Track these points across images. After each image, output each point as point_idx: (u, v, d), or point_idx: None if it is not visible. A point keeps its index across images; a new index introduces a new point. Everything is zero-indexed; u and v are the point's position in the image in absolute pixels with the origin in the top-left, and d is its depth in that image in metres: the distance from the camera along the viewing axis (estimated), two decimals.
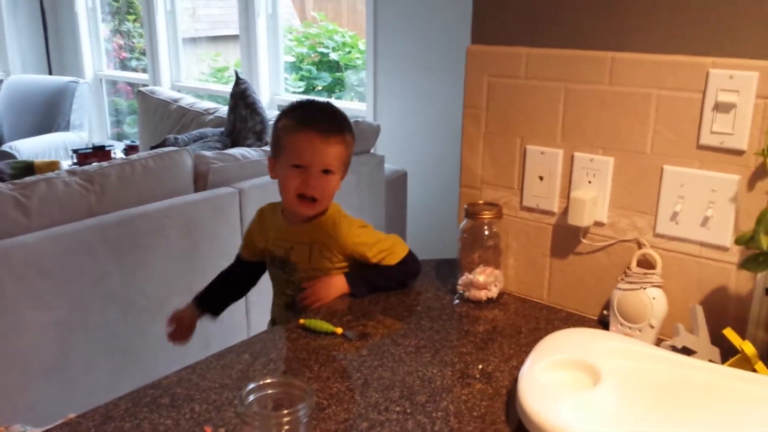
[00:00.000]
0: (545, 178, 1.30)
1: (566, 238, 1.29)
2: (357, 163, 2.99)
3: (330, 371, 1.07)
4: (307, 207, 1.38)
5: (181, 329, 1.58)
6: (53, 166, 3.75)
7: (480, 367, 1.09)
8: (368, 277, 1.38)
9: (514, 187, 1.35)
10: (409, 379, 1.04)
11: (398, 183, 3.19)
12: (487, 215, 1.32)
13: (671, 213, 1.16)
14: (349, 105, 4.18)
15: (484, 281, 1.32)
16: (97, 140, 5.30)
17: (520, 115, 1.31)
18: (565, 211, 1.27)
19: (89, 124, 5.21)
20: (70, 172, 2.25)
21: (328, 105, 1.44)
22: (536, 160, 1.30)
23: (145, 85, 4.85)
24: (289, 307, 1.44)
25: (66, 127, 4.76)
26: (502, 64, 1.31)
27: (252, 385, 0.84)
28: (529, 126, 1.30)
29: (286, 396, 0.87)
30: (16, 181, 2.14)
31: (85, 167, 2.31)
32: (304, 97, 4.35)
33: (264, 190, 2.52)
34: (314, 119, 1.38)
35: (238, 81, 3.23)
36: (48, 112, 4.74)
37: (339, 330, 1.19)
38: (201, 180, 2.50)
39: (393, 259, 1.40)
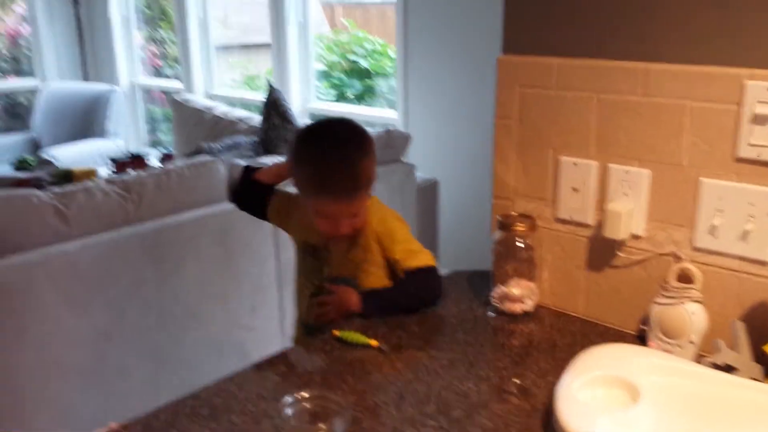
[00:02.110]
0: (579, 189, 1.29)
1: (602, 250, 1.28)
2: (387, 172, 3.01)
3: (365, 384, 1.08)
4: (345, 235, 1.40)
5: None
6: (91, 173, 3.83)
7: (516, 381, 1.08)
8: (383, 295, 1.38)
9: (548, 198, 1.34)
10: (444, 394, 1.04)
11: (429, 192, 3.19)
12: (520, 227, 1.32)
13: (709, 226, 1.14)
14: (379, 113, 4.20)
15: (519, 294, 1.32)
16: (133, 147, 5.39)
17: (553, 125, 1.30)
18: (600, 224, 1.26)
19: (125, 132, 5.31)
20: (109, 181, 2.29)
21: (344, 152, 1.36)
22: (570, 171, 1.30)
23: (178, 93, 4.93)
24: (315, 294, 1.45)
25: (102, 134, 4.86)
26: (534, 74, 1.31)
27: (289, 399, 0.86)
28: (561, 137, 1.30)
29: (322, 409, 0.89)
30: (56, 190, 2.18)
31: (123, 176, 2.36)
32: (333, 109, 4.35)
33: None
34: (332, 188, 1.34)
35: (271, 90, 3.26)
36: (85, 120, 4.84)
37: (374, 342, 1.19)
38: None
39: (416, 261, 1.39)
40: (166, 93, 5.43)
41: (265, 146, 3.17)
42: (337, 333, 1.22)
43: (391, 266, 1.43)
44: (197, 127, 3.91)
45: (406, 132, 3.07)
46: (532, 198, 1.36)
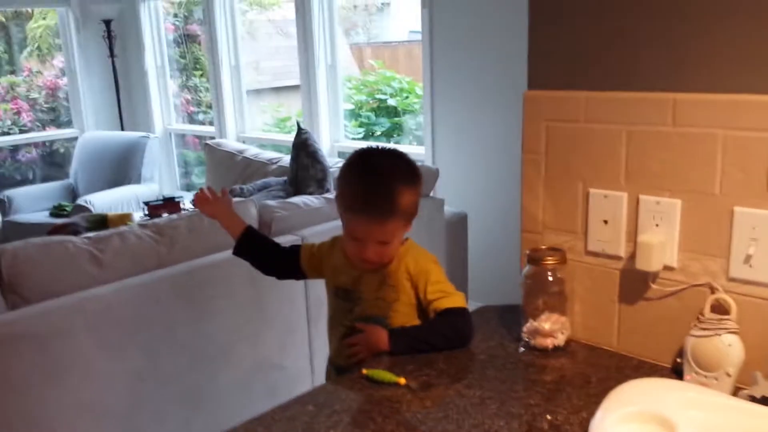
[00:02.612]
0: (610, 221, 1.27)
1: (634, 283, 1.25)
2: None
3: (394, 424, 1.06)
4: (373, 265, 1.40)
5: (207, 203, 1.62)
6: (125, 218, 3.91)
7: (548, 418, 1.06)
8: (412, 333, 1.36)
9: (578, 231, 1.32)
10: None
11: (458, 226, 3.18)
12: (550, 261, 1.30)
13: (744, 256, 1.11)
14: (407, 149, 4.22)
15: (550, 329, 1.29)
16: (167, 191, 5.50)
17: (581, 158, 1.29)
18: (632, 256, 1.24)
19: (159, 176, 5.43)
20: (142, 225, 2.34)
21: (383, 179, 1.37)
22: (600, 203, 1.28)
23: (212, 137, 5.03)
24: (345, 335, 1.44)
25: (138, 180, 4.97)
26: (560, 108, 1.31)
27: None
28: (590, 169, 1.29)
29: None
30: (91, 235, 2.23)
31: (156, 220, 2.40)
32: (368, 144, 4.42)
33: (326, 236, 2.53)
34: (367, 204, 1.35)
35: (300, 131, 3.31)
36: (120, 166, 4.96)
37: (402, 380, 1.18)
38: (266, 228, 2.55)
39: (448, 303, 1.37)
40: (200, 138, 5.55)
41: (295, 186, 3.20)
42: (365, 371, 1.21)
43: (423, 307, 1.42)
44: (229, 170, 3.98)
45: (435, 167, 3.08)
46: (562, 231, 1.35)
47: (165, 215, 2.46)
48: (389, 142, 4.68)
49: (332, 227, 2.60)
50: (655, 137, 1.19)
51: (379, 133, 4.83)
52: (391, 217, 1.36)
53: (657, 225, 1.21)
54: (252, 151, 4.08)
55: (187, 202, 4.32)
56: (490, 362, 1.26)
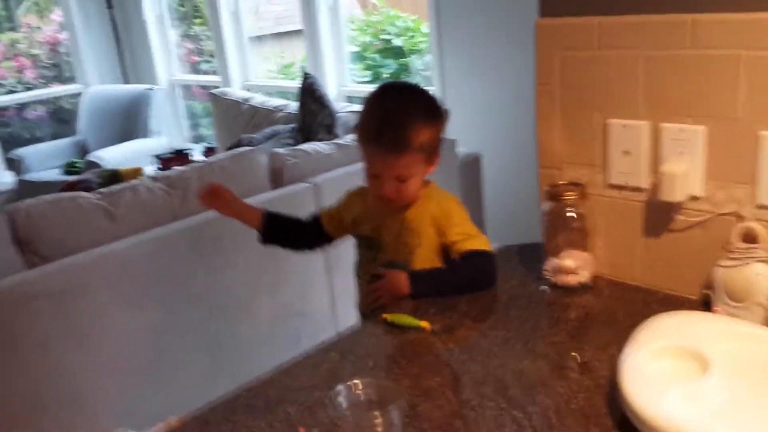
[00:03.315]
0: (631, 152, 1.23)
1: (659, 215, 1.22)
2: None
3: (419, 367, 1.05)
4: (394, 202, 1.36)
5: (216, 198, 1.55)
6: (137, 172, 3.89)
7: (575, 355, 1.04)
8: (434, 275, 1.34)
9: (597, 164, 1.28)
10: (500, 373, 1.01)
11: (472, 167, 3.14)
12: (570, 196, 1.26)
13: None
14: None
15: (573, 265, 1.27)
16: (176, 144, 5.46)
17: (597, 88, 1.24)
18: (655, 187, 1.20)
19: (168, 129, 5.38)
20: (153, 179, 2.32)
21: (404, 107, 1.33)
22: (619, 134, 1.24)
23: (216, 87, 4.95)
24: (370, 282, 1.42)
25: (146, 134, 4.93)
26: (574, 36, 1.25)
27: (341, 387, 0.83)
28: (608, 99, 1.24)
29: (376, 396, 0.86)
30: (103, 190, 2.21)
31: (167, 173, 2.38)
32: (392, 80, 4.33)
33: (338, 183, 2.51)
34: (382, 134, 1.31)
35: (305, 76, 3.25)
36: (127, 121, 4.91)
37: (424, 324, 1.17)
38: (277, 177, 2.53)
39: (471, 245, 1.34)
40: (205, 88, 5.47)
41: (304, 133, 3.16)
42: (386, 316, 1.19)
43: (446, 250, 1.38)
44: (236, 120, 3.93)
45: (444, 108, 3.02)
46: (581, 165, 1.31)
47: (175, 168, 2.43)
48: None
49: (344, 173, 2.57)
50: (674, 61, 1.14)
51: (386, 75, 4.73)
52: (405, 151, 1.31)
53: (680, 153, 1.17)
54: (258, 99, 4.01)
55: (196, 154, 4.29)
56: (513, 302, 1.24)
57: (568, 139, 1.32)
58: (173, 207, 2.25)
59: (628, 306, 1.19)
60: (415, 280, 1.31)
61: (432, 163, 1.39)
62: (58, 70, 5.81)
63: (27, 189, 4.64)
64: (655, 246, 1.23)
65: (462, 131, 3.37)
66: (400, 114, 1.33)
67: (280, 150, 2.58)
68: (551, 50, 1.29)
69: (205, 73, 5.67)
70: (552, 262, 1.29)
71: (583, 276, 1.28)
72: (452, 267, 1.35)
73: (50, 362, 1.90)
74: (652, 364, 0.90)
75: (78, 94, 5.44)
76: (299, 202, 2.47)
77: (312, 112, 3.11)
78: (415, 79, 4.59)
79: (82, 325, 1.96)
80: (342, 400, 0.84)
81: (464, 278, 1.31)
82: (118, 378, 2.05)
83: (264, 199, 2.40)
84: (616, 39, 1.20)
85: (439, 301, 1.26)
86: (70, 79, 5.69)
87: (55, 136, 5.55)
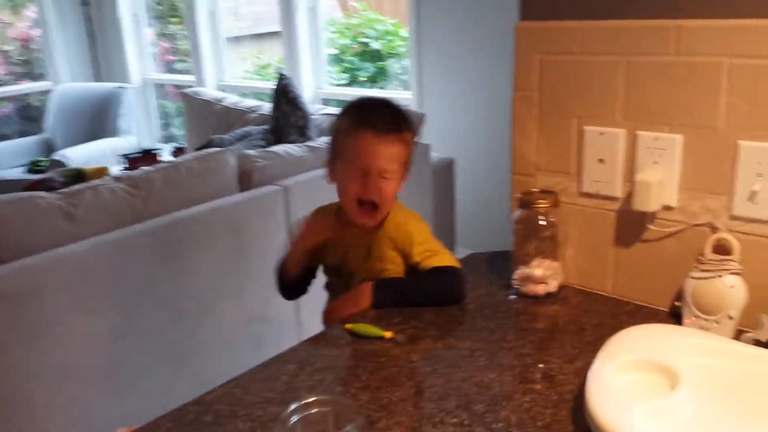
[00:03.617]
0: (606, 160, 1.20)
1: (631, 224, 1.18)
2: None
3: (380, 380, 1.00)
4: (368, 216, 1.30)
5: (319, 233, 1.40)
6: (102, 172, 3.80)
7: (541, 367, 1.00)
8: (398, 286, 1.28)
9: (572, 172, 1.25)
10: (465, 387, 0.96)
11: (445, 172, 3.10)
12: (542, 204, 1.23)
13: (749, 192, 1.05)
14: (393, 94, 4.11)
15: (542, 275, 1.23)
16: (147, 144, 5.36)
17: (576, 94, 1.21)
18: (629, 196, 1.17)
19: (139, 129, 5.28)
20: (116, 179, 2.24)
21: (388, 102, 1.34)
22: (595, 142, 1.20)
23: (190, 87, 4.87)
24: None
25: (115, 133, 4.83)
26: (554, 40, 1.22)
27: (295, 405, 0.78)
28: (586, 106, 1.20)
29: (333, 415, 0.81)
30: (63, 190, 2.13)
31: (131, 173, 2.30)
32: (352, 90, 4.29)
33: (309, 187, 2.47)
34: (370, 118, 1.28)
35: (280, 77, 3.19)
36: (96, 119, 4.81)
37: (387, 334, 1.12)
38: (246, 179, 2.46)
39: (436, 261, 1.28)
40: (179, 87, 5.38)
41: (276, 134, 3.10)
42: (348, 326, 1.14)
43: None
44: (208, 120, 3.85)
45: (420, 112, 2.99)
46: (555, 172, 1.27)
47: (140, 168, 2.36)
48: (374, 88, 4.55)
49: (315, 176, 2.51)
50: (655, 68, 1.11)
51: (363, 78, 4.69)
52: (399, 133, 1.27)
53: (656, 162, 1.14)
54: (231, 99, 3.94)
55: (165, 154, 4.21)
56: (480, 312, 1.20)
57: (544, 146, 1.28)
58: (136, 208, 2.17)
59: (597, 317, 1.15)
60: (378, 289, 1.25)
61: (405, 178, 1.35)
62: (29, 66, 5.69)
63: None
64: (627, 256, 1.20)
65: (437, 136, 3.34)
66: (390, 104, 1.33)
67: (250, 151, 2.52)
68: (530, 54, 1.26)
69: (180, 72, 5.58)
70: (521, 271, 1.25)
71: (552, 285, 1.24)
72: (417, 279, 1.29)
73: (3, 365, 1.82)
74: (620, 378, 0.87)
75: (47, 92, 5.32)
76: (268, 205, 2.41)
77: (285, 113, 3.06)
78: (392, 83, 4.56)
79: (36, 328, 1.88)
80: (295, 419, 0.78)
81: (428, 291, 1.25)
82: (72, 384, 1.96)
83: (232, 201, 2.34)
84: (597, 44, 1.16)
85: (404, 310, 1.22)
86: (41, 76, 5.57)
87: (22, 134, 5.42)
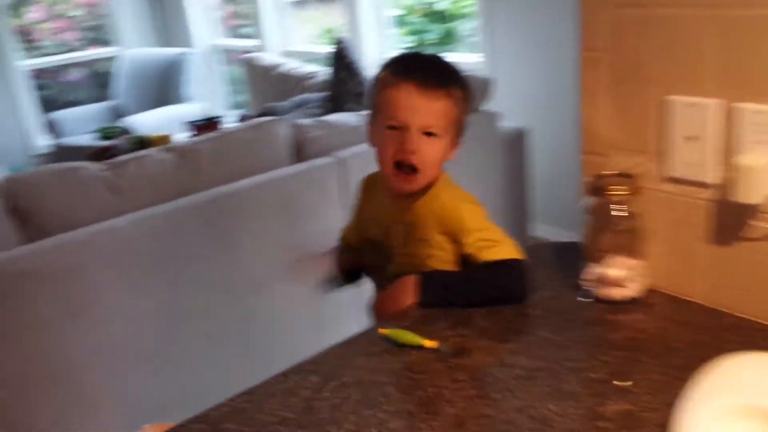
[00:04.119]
0: (696, 138, 0.98)
1: (730, 218, 0.97)
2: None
3: (415, 403, 0.84)
4: (405, 180, 1.12)
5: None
6: (165, 139, 3.75)
7: (616, 400, 0.82)
8: (447, 282, 1.10)
9: (653, 151, 1.04)
10: (519, 420, 0.79)
11: (517, 142, 2.87)
12: (617, 191, 1.02)
13: None
14: (462, 58, 3.87)
15: (619, 276, 1.03)
16: (216, 111, 5.32)
17: (657, 56, 0.99)
18: (727, 183, 0.95)
19: (206, 95, 5.23)
20: (163, 149, 2.15)
21: (435, 56, 1.18)
22: (682, 115, 0.99)
23: (253, 52, 4.77)
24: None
25: (181, 99, 4.79)
26: None
27: None
28: (669, 70, 0.99)
29: None
30: (109, 161, 2.05)
31: (179, 143, 2.21)
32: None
33: (365, 159, 2.28)
34: (413, 69, 1.12)
35: (338, 41, 3.02)
36: (163, 85, 4.79)
37: (429, 343, 0.95)
38: (299, 151, 2.33)
39: (493, 254, 1.09)
40: (247, 53, 5.29)
41: (333, 102, 2.94)
42: (384, 331, 0.98)
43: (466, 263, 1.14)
44: (269, 86, 3.74)
45: (487, 77, 2.76)
46: (633, 151, 1.06)
47: (188, 138, 2.26)
48: (442, 52, 4.31)
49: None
50: (758, 24, 0.88)
51: (431, 41, 4.46)
52: (446, 87, 1.10)
53: (761, 142, 0.92)
54: (290, 65, 3.80)
55: (231, 122, 4.13)
56: (543, 319, 1.02)
57: (618, 120, 1.07)
58: (183, 180, 2.07)
59: (689, 332, 0.95)
60: (426, 284, 1.08)
61: (455, 144, 1.16)
62: (98, 32, 5.71)
63: (62, 153, 4.57)
64: (724, 257, 0.98)
65: (507, 103, 3.10)
66: (437, 56, 1.17)
67: (303, 121, 2.38)
68: (601, 7, 1.05)
69: (247, 37, 5.48)
70: (594, 270, 1.06)
71: (632, 289, 1.04)
72: (471, 273, 1.11)
73: (45, 343, 1.76)
74: (721, 425, 0.67)
75: (115, 58, 5.33)
76: (321, 178, 2.27)
77: (342, 80, 2.89)
78: (460, 46, 4.31)
79: (81, 306, 1.81)
80: None
81: (484, 290, 1.07)
82: (120, 363, 1.90)
83: (283, 174, 2.21)
84: None
85: (452, 312, 1.05)
86: (109, 42, 5.59)
87: (94, 100, 5.48)
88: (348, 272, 1.34)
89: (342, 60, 2.93)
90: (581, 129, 1.14)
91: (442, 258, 1.15)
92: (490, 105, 2.77)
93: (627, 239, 1.06)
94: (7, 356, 1.72)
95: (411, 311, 1.06)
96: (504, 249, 1.10)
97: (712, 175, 0.98)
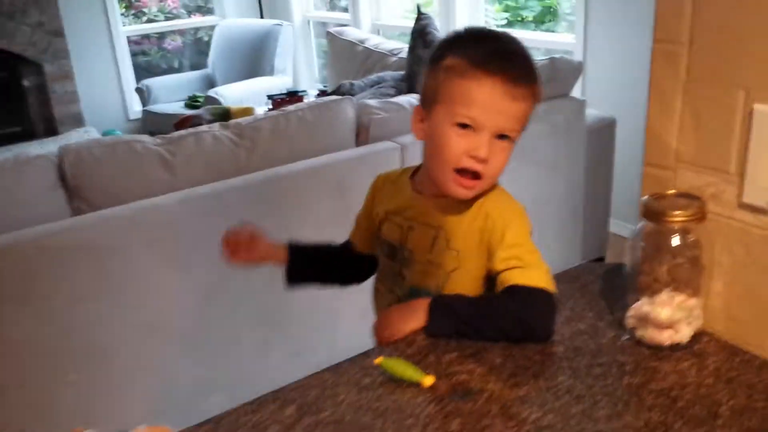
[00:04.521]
0: None
1: None
2: (550, 110, 2.49)
3: None
4: (466, 186, 0.96)
5: (241, 250, 1.23)
6: (248, 111, 3.74)
7: None
8: (461, 309, 0.95)
9: (730, 170, 0.85)
10: None
11: (604, 133, 2.63)
12: (678, 217, 0.84)
13: None
14: (555, 38, 3.61)
15: (670, 317, 0.86)
16: (306, 84, 5.29)
17: (745, 54, 0.80)
18: None
19: (297, 68, 5.21)
20: (223, 126, 2.09)
21: (515, 40, 0.99)
22: None
23: (346, 26, 4.68)
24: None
25: (271, 72, 4.78)
26: None
27: None
28: (759, 72, 0.79)
29: None
30: (165, 135, 2.02)
31: (239, 120, 2.14)
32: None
33: None
34: (499, 60, 0.93)
35: (420, 16, 2.86)
36: (254, 57, 4.78)
37: (428, 380, 0.82)
38: (363, 133, 2.21)
39: (523, 278, 0.93)
40: (341, 26, 5.21)
41: (409, 82, 2.80)
42: (379, 361, 0.86)
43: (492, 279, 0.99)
44: (350, 62, 3.63)
45: (577, 61, 2.53)
46: (706, 168, 0.88)
47: (290, 106, 2.17)
48: (539, 30, 4.05)
49: None
50: None
51: (528, 18, 4.20)
52: (533, 84, 0.94)
53: None
54: (374, 40, 3.67)
55: (311, 97, 4.07)
56: (570, 360, 0.86)
57: (692, 128, 0.89)
58: (239, 160, 2.00)
59: (744, 392, 0.77)
60: (436, 311, 0.95)
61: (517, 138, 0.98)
62: (202, 0, 5.79)
63: (151, 120, 4.68)
64: None
65: (596, 90, 2.86)
66: (517, 42, 0.97)
67: (370, 101, 2.25)
68: None
69: (345, 10, 5.40)
70: (641, 306, 0.89)
71: (684, 333, 0.87)
72: (488, 305, 0.95)
73: (82, 315, 1.75)
74: None
75: (216, 27, 5.39)
76: (382, 164, 2.11)
77: (419, 58, 2.74)
78: (560, 25, 4.03)
79: (121, 283, 1.79)
80: None
81: (502, 324, 0.92)
82: (157, 343, 1.87)
83: (341, 158, 2.10)
84: None
85: (463, 343, 0.91)
86: (211, 11, 5.66)
87: (192, 68, 5.58)
88: (295, 274, 1.21)
89: (423, 37, 2.77)
90: (646, 135, 0.96)
91: (470, 274, 1.00)
92: (579, 91, 2.55)
93: (685, 271, 0.88)
94: (41, 327, 1.71)
95: (418, 335, 0.93)
96: (536, 274, 0.93)
97: None
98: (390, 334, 0.96)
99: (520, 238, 0.97)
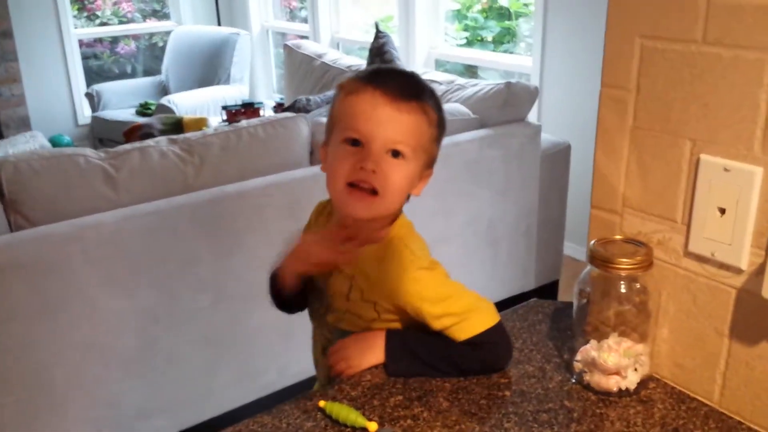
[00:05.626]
0: (729, 211, 0.79)
1: (759, 311, 0.78)
2: (505, 134, 2.51)
3: None
4: (360, 200, 0.90)
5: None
6: (201, 122, 3.67)
7: None
8: (417, 348, 0.92)
9: (676, 219, 0.85)
10: None
11: (559, 158, 2.66)
12: (625, 265, 0.83)
13: None
14: (513, 60, 3.65)
15: (616, 364, 0.85)
16: (263, 95, 5.23)
17: (693, 104, 0.80)
18: (760, 270, 0.76)
19: (255, 78, 5.14)
20: (171, 141, 2.03)
21: (409, 71, 1.00)
22: (716, 179, 0.80)
23: (306, 37, 4.65)
24: (324, 351, 1.05)
25: (227, 81, 4.71)
26: (665, 17, 0.81)
27: None
28: (706, 123, 0.80)
29: None
30: (110, 150, 1.95)
31: (188, 135, 2.08)
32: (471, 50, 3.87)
33: None
34: (385, 75, 0.96)
35: (378, 34, 2.85)
36: (209, 65, 4.71)
37: (371, 426, 0.80)
38: (317, 151, 2.18)
39: (465, 331, 0.91)
40: (302, 37, 5.17)
41: None
42: (322, 404, 0.83)
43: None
44: (307, 76, 3.60)
45: (534, 86, 2.55)
46: (652, 215, 0.88)
47: (243, 122, 2.12)
48: (498, 51, 4.09)
49: None
50: None
51: (488, 38, 4.24)
52: (419, 100, 0.92)
53: None
54: (332, 55, 3.65)
55: (268, 109, 4.02)
56: (518, 406, 0.85)
57: (639, 175, 0.89)
58: (186, 176, 1.95)
59: None
60: (395, 350, 0.92)
61: (423, 176, 0.97)
62: (157, 4, 5.69)
63: (100, 126, 4.56)
64: (747, 355, 0.79)
65: (551, 115, 2.89)
66: (411, 72, 1.00)
67: (323, 119, 2.22)
68: (627, 37, 0.86)
69: (305, 21, 5.37)
70: (588, 351, 0.88)
71: (631, 380, 0.86)
72: (448, 347, 0.92)
73: (16, 335, 1.68)
74: None
75: (171, 33, 5.30)
76: None
77: None
78: (518, 46, 4.08)
79: (60, 302, 1.72)
80: None
81: (461, 367, 0.91)
82: (98, 364, 1.81)
83: (293, 177, 2.07)
84: (734, 31, 0.75)
85: (412, 384, 0.89)
86: (166, 16, 5.56)
87: (146, 74, 5.46)
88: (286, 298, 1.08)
89: (381, 56, 2.77)
90: (593, 177, 0.95)
91: (394, 324, 0.96)
92: (535, 116, 2.57)
93: (633, 316, 0.87)
94: None
95: (363, 377, 0.90)
96: (475, 320, 0.91)
97: (744, 258, 0.78)
98: (347, 367, 0.93)
99: (439, 290, 0.93)
